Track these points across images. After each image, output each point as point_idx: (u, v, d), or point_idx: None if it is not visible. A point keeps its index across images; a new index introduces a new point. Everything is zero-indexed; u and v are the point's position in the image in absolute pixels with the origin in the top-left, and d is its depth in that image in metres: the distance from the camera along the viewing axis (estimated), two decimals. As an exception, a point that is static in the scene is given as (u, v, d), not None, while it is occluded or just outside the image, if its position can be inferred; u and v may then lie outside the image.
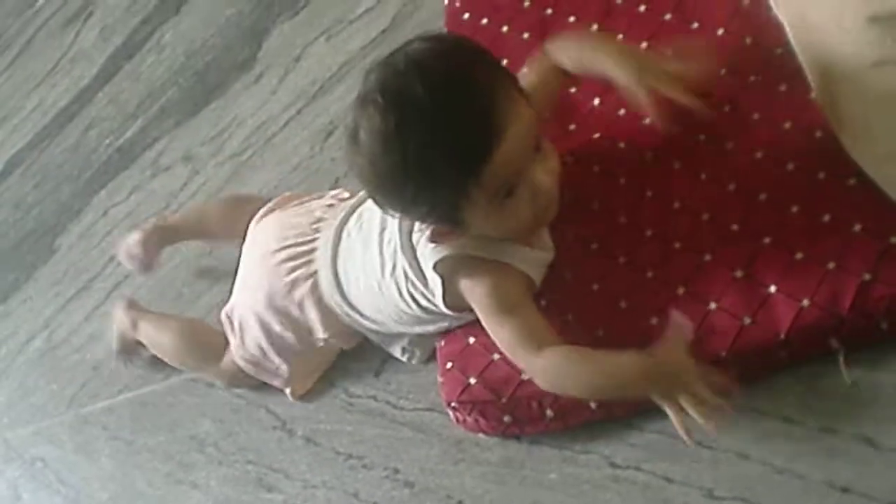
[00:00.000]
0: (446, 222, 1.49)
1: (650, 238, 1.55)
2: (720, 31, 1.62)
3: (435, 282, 1.57)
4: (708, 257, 1.48)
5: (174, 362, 2.13)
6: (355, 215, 1.74)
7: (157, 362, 2.20)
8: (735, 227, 1.48)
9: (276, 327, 1.82)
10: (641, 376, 1.39)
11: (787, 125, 1.50)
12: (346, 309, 1.74)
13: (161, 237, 2.21)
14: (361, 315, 1.73)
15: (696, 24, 1.66)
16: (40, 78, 3.15)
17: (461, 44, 1.46)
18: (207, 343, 2.02)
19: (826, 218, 1.40)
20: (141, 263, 2.20)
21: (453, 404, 1.63)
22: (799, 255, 1.40)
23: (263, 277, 1.82)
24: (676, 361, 1.36)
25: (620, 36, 1.71)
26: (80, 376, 2.41)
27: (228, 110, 2.49)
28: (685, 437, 1.36)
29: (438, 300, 1.59)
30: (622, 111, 1.66)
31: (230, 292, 1.93)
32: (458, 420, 1.64)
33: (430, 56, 1.38)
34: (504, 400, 1.57)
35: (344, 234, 1.74)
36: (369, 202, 1.64)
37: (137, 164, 2.65)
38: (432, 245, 1.54)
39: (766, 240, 1.44)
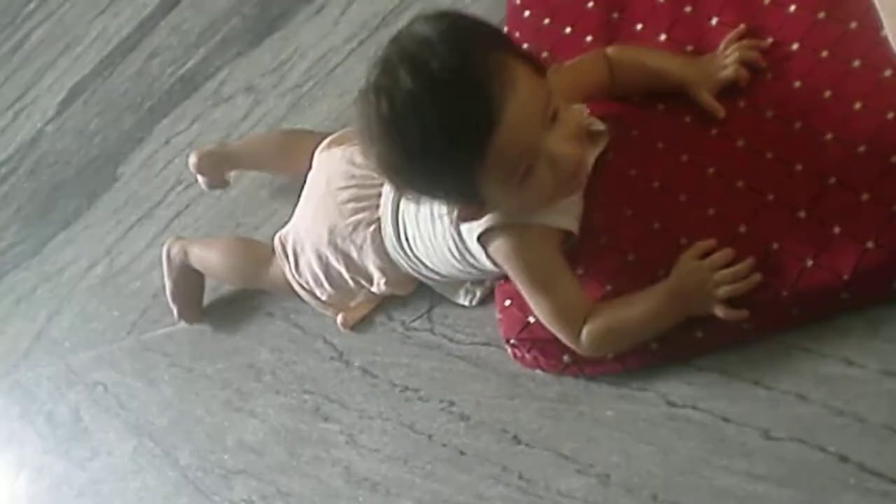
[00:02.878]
0: (469, 202, 1.49)
1: (713, 176, 1.53)
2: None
3: (478, 250, 1.58)
4: (771, 197, 1.46)
5: (228, 278, 2.16)
6: None
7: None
8: (799, 167, 1.46)
9: (334, 263, 1.83)
10: (671, 303, 1.45)
11: (857, 63, 1.48)
12: (407, 259, 1.74)
13: (217, 161, 2.25)
14: (423, 265, 1.73)
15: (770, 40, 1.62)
16: (104, 6, 3.16)
17: (458, 24, 1.39)
18: (260, 254, 2.03)
19: (893, 159, 1.38)
20: (207, 183, 2.28)
21: (512, 341, 1.63)
22: (864, 196, 1.38)
23: (327, 214, 1.82)
24: (693, 271, 1.44)
25: (690, 47, 1.67)
26: (140, 303, 2.43)
27: (290, 41, 2.49)
28: (742, 318, 1.42)
29: (485, 263, 1.60)
30: (690, 47, 1.65)
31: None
32: (515, 356, 1.65)
33: (424, 43, 1.34)
34: (564, 339, 1.57)
35: None
36: None
37: (199, 94, 2.65)
38: (465, 224, 1.56)
39: (831, 180, 1.42)
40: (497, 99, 1.31)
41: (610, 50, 1.67)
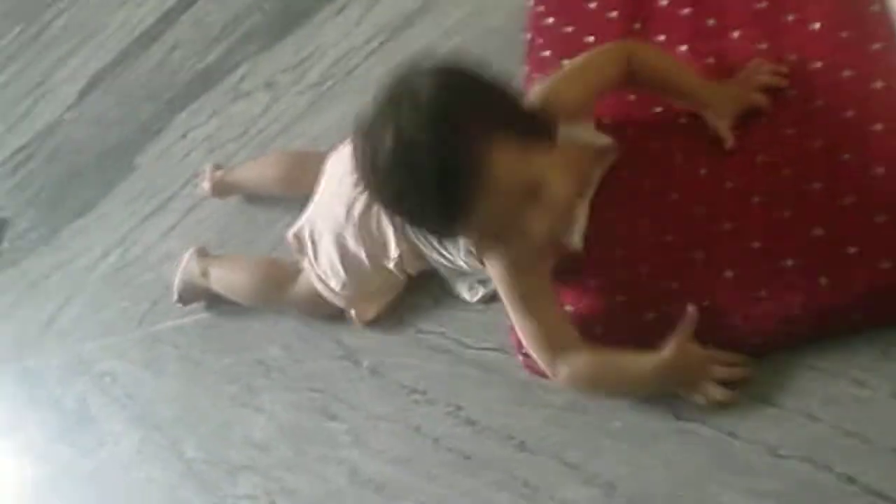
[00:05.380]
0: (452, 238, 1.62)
1: (730, 190, 1.53)
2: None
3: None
4: (787, 214, 1.46)
5: (250, 300, 2.15)
6: None
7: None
8: (817, 185, 1.46)
9: (351, 242, 1.82)
10: (658, 377, 1.48)
11: (878, 84, 1.47)
12: (416, 237, 1.74)
13: (226, 190, 2.37)
14: (431, 245, 1.74)
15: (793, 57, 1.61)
16: (127, -4, 3.17)
17: (463, 89, 1.43)
18: (280, 274, 2.04)
19: (912, 180, 1.38)
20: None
21: (525, 351, 1.62)
22: (880, 218, 1.38)
23: (344, 197, 1.82)
24: (688, 355, 1.46)
25: (711, 59, 1.67)
26: (152, 294, 2.43)
27: (311, 39, 2.49)
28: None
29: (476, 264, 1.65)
30: (710, 59, 1.65)
31: (301, 217, 1.95)
32: (527, 366, 1.65)
33: (415, 108, 1.42)
34: (577, 352, 1.56)
35: None
36: None
37: (219, 88, 2.65)
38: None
39: (848, 200, 1.42)
40: (476, 189, 1.35)
41: (637, 50, 1.65)
